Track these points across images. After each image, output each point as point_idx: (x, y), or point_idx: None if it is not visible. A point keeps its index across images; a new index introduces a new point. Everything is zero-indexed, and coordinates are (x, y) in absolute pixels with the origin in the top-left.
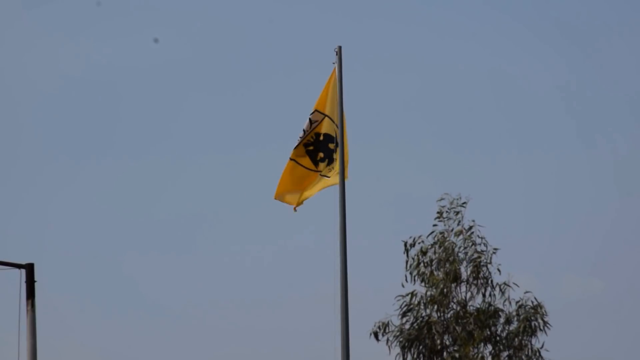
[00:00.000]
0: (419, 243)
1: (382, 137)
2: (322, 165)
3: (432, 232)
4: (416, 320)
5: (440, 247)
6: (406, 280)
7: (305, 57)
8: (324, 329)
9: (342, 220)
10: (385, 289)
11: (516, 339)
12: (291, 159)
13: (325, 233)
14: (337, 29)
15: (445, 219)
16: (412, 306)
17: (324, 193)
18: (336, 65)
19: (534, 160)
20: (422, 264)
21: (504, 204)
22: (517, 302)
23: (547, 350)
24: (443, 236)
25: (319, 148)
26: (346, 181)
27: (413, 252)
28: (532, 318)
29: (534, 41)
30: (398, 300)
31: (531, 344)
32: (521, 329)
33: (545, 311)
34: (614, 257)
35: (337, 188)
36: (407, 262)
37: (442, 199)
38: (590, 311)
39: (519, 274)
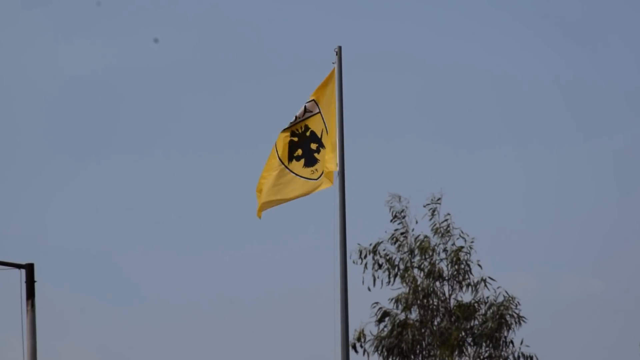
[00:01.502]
0: (383, 249)
1: (382, 137)
2: (295, 164)
3: (392, 235)
4: (394, 327)
5: (399, 247)
6: (363, 283)
7: (305, 57)
8: (324, 329)
9: (342, 220)
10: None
11: (485, 336)
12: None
13: (325, 233)
14: (337, 29)
15: (400, 218)
16: (388, 311)
17: (324, 193)
18: (336, 65)
19: (534, 159)
20: (385, 267)
21: (504, 203)
22: (487, 298)
23: (528, 346)
24: (404, 236)
25: (301, 144)
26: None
27: (371, 257)
28: (504, 312)
29: (533, 40)
30: (373, 307)
31: (505, 339)
32: (494, 326)
33: (517, 303)
34: (613, 257)
35: (337, 188)
36: (365, 265)
37: (390, 199)
38: (590, 311)
39: (519, 274)
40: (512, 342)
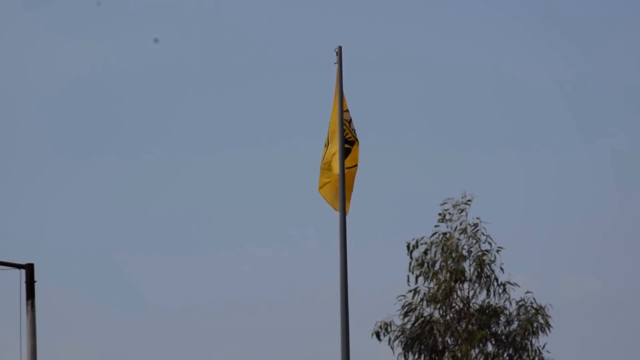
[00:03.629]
0: (422, 244)
1: (383, 137)
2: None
3: (435, 232)
4: (417, 320)
5: (443, 247)
6: (408, 281)
7: (305, 57)
8: (324, 329)
9: (342, 220)
10: (388, 288)
11: (517, 338)
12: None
13: (326, 233)
14: (337, 29)
15: (448, 221)
16: (413, 305)
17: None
18: (337, 66)
19: (534, 159)
20: (425, 265)
21: (504, 203)
22: (517, 302)
23: (548, 352)
24: (445, 237)
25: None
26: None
27: (416, 253)
28: (534, 319)
29: (533, 40)
30: (400, 300)
31: (531, 344)
32: (523, 330)
33: (547, 312)
34: (612, 257)
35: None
36: (410, 263)
37: (445, 202)
38: (588, 311)
39: (518, 273)
40: (538, 349)
